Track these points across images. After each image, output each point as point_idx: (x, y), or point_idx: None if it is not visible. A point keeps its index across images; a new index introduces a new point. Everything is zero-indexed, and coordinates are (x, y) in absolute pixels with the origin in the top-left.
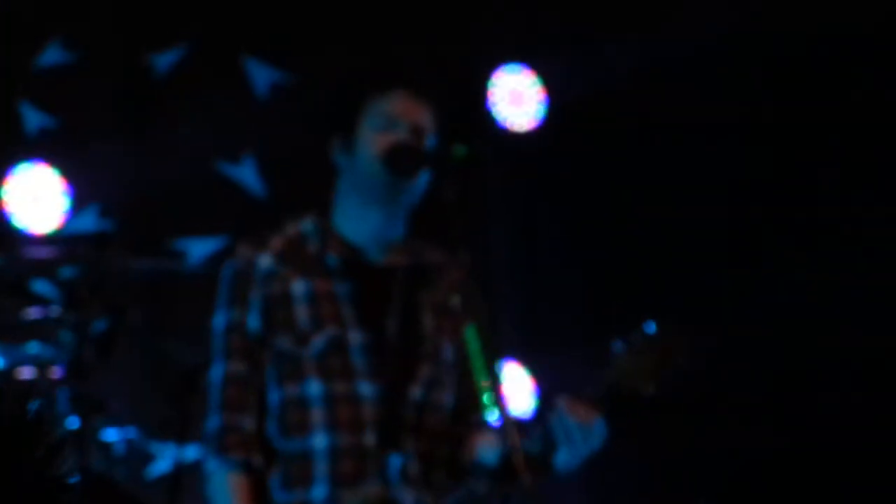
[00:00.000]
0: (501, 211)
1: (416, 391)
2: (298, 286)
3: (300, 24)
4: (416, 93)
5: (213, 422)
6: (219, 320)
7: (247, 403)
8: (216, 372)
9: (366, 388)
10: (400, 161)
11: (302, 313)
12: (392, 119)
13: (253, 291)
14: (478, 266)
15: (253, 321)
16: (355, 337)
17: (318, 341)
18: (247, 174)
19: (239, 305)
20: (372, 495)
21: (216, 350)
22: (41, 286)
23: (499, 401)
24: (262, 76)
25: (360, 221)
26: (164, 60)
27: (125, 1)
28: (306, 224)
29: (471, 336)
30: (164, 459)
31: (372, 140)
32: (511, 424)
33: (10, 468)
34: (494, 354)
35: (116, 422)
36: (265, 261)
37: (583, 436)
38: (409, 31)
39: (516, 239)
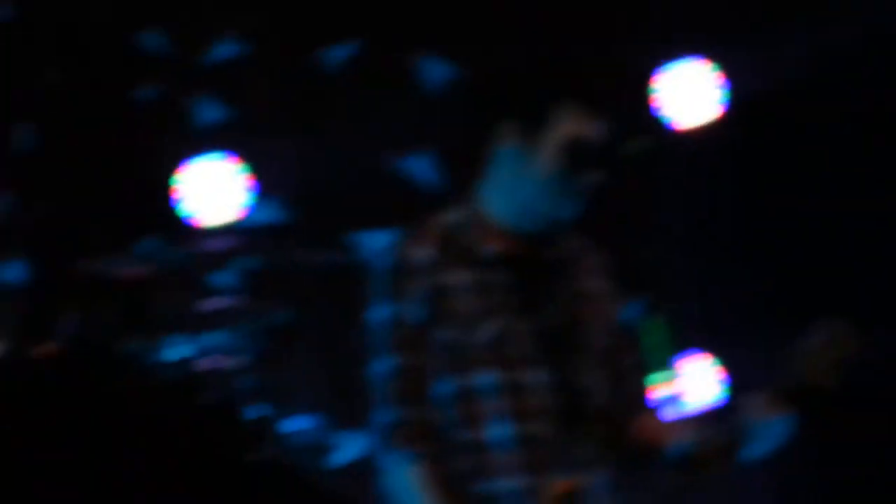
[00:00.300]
0: (678, 204)
1: (585, 379)
2: (459, 276)
3: (471, 20)
4: (593, 101)
5: (385, 416)
6: (379, 313)
7: (418, 396)
8: (381, 365)
9: (537, 377)
10: (580, 157)
11: (466, 303)
12: (575, 118)
13: (412, 283)
14: (656, 259)
15: (414, 313)
16: (522, 326)
17: (486, 331)
18: (422, 168)
19: (399, 297)
20: (559, 484)
21: (379, 343)
22: (223, 278)
23: (677, 391)
24: (434, 72)
25: (522, 212)
26: (337, 55)
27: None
28: (458, 214)
29: (648, 327)
30: (345, 449)
31: (554, 134)
32: (698, 416)
33: (201, 455)
34: (671, 346)
35: (298, 412)
36: (423, 252)
37: (771, 431)
38: (581, 25)
39: (693, 231)
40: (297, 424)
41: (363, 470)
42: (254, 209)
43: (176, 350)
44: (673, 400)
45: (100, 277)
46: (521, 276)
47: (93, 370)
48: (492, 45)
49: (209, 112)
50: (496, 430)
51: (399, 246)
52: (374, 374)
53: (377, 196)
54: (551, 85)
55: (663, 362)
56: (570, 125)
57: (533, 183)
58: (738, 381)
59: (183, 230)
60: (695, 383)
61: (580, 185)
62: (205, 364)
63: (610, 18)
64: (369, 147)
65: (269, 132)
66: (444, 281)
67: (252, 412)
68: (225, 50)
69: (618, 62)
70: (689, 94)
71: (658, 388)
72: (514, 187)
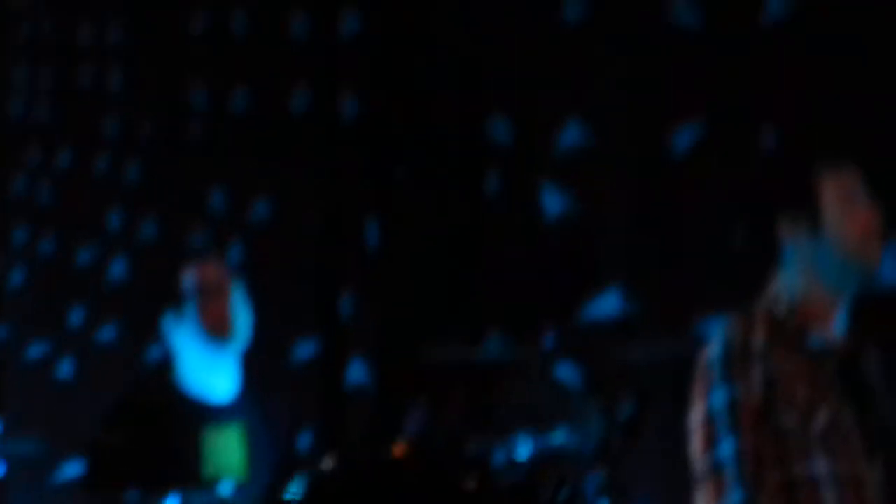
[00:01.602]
0: None
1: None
2: (789, 363)
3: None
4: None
5: (735, 497)
6: (721, 396)
7: (764, 481)
8: (728, 448)
9: (866, 470)
10: (875, 247)
11: (801, 390)
12: (852, 194)
13: (751, 366)
14: None
15: (755, 397)
16: (849, 416)
17: (821, 418)
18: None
19: (741, 380)
20: None
21: (722, 426)
22: (566, 372)
23: None
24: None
25: (823, 305)
26: (684, 137)
27: (642, 83)
28: (781, 304)
29: None
30: None
31: (851, 216)
32: None
33: None
34: None
35: None
36: (758, 335)
37: None
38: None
39: None
40: None
41: None
42: (600, 300)
43: (522, 448)
44: None
45: (445, 373)
46: (841, 368)
47: (441, 470)
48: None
49: (553, 204)
50: None
51: (733, 330)
52: (721, 457)
53: (729, 279)
54: (810, 159)
55: None
56: (839, 198)
57: (833, 253)
58: None
59: (529, 325)
60: None
61: (872, 233)
62: (550, 462)
63: None
64: (719, 228)
65: (615, 220)
66: (778, 366)
67: None
68: (571, 137)
69: None
70: None
71: None
72: (820, 266)
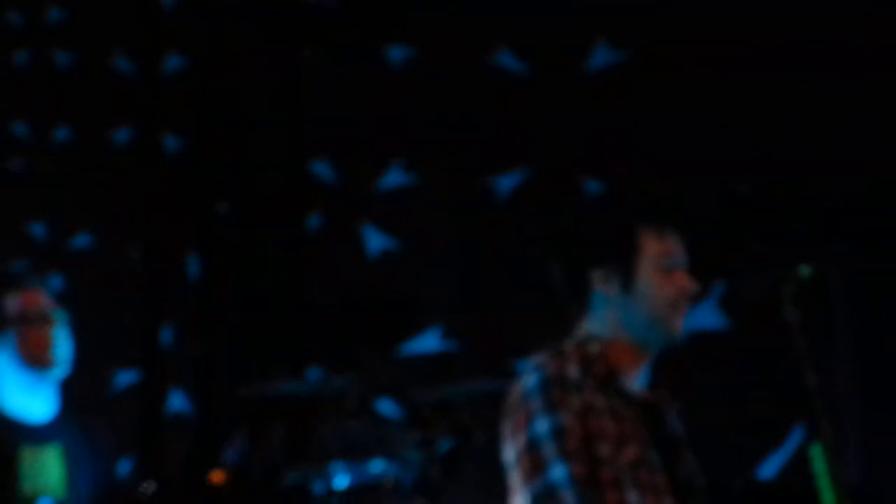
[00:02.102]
0: (847, 329)
1: None
2: (599, 400)
3: (636, 145)
4: (682, 231)
5: None
6: (544, 426)
7: (599, 502)
8: (559, 472)
9: None
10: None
11: (609, 425)
12: (672, 259)
13: (570, 396)
14: (824, 385)
15: (576, 425)
16: (655, 456)
17: (629, 452)
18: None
19: (562, 409)
20: None
21: (549, 455)
22: (386, 406)
23: None
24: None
25: (626, 353)
26: (506, 183)
27: (465, 127)
28: (593, 345)
29: (816, 455)
30: None
31: (662, 283)
32: None
33: None
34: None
35: None
36: (573, 369)
37: None
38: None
39: (864, 357)
40: None
41: None
42: (421, 338)
43: (340, 478)
44: None
45: (266, 405)
46: (648, 416)
47: (260, 498)
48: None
49: (375, 242)
50: None
51: (548, 363)
52: (550, 484)
53: (546, 323)
54: (635, 229)
55: (832, 489)
56: (656, 261)
57: (633, 330)
58: None
59: (349, 358)
60: None
61: (684, 299)
62: (368, 492)
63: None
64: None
65: (434, 260)
66: (590, 400)
67: None
68: (392, 178)
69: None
70: None
71: None
72: (627, 322)
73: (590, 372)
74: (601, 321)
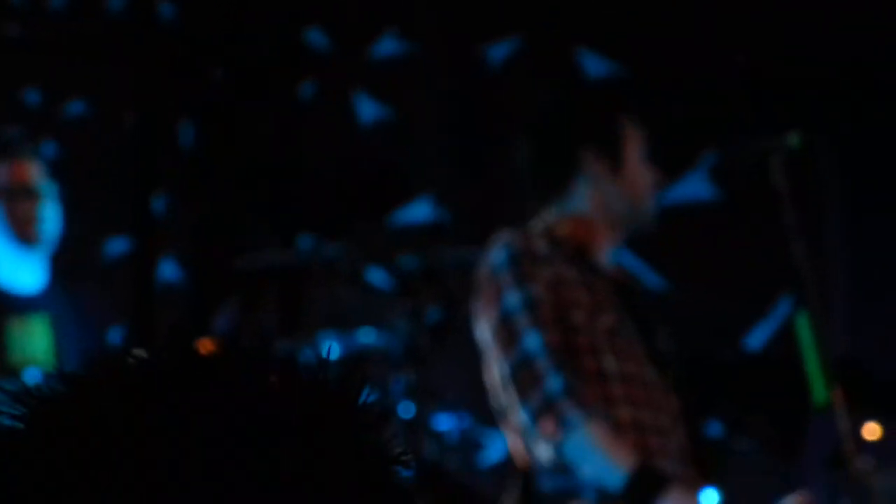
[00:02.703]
0: (837, 200)
1: (680, 377)
2: (570, 272)
3: (633, 15)
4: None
5: (554, 383)
6: (515, 298)
7: (575, 368)
8: (533, 341)
9: (650, 373)
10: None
11: (583, 295)
12: (646, 149)
13: (539, 269)
14: (811, 255)
15: (548, 295)
16: (631, 326)
17: (605, 320)
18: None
19: (532, 281)
20: (682, 472)
21: (522, 326)
22: (376, 275)
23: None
24: (594, 67)
25: (600, 233)
26: (498, 52)
27: None
28: (560, 226)
29: (802, 324)
30: (496, 448)
31: (642, 171)
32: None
33: (347, 453)
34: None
35: (450, 410)
36: (541, 244)
37: None
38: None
39: (852, 229)
40: (447, 423)
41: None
42: (412, 207)
43: (330, 347)
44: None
45: (257, 274)
46: (616, 287)
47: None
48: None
49: (368, 110)
50: (621, 413)
51: (515, 239)
52: (526, 353)
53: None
54: (619, 108)
55: (817, 358)
56: (637, 137)
57: (610, 210)
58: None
59: (341, 227)
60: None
61: (656, 188)
62: (358, 361)
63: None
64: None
65: (429, 130)
66: (560, 272)
67: (405, 410)
68: (386, 46)
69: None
70: None
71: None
72: (610, 202)
73: (558, 247)
74: (582, 200)
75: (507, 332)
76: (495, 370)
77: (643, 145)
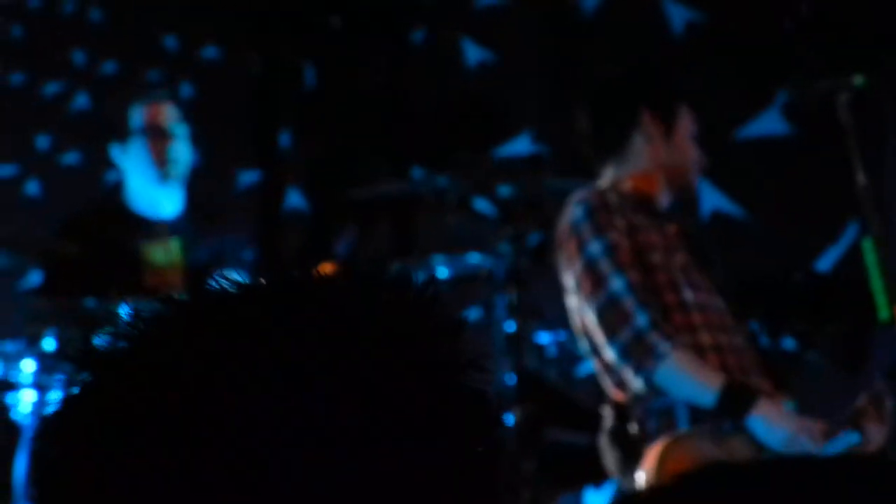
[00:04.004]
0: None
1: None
2: (641, 219)
3: None
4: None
5: (641, 319)
6: (596, 246)
7: (658, 303)
8: (618, 283)
9: (720, 301)
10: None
11: (656, 237)
12: (693, 131)
13: (615, 218)
14: (875, 184)
15: (625, 241)
16: (698, 264)
17: (679, 257)
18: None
19: (610, 230)
20: (761, 386)
21: (606, 270)
22: (481, 203)
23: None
24: (678, 15)
25: (659, 184)
26: (590, 1)
27: None
28: (624, 183)
29: (867, 248)
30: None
31: (689, 141)
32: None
33: (452, 370)
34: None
35: (549, 326)
36: (613, 196)
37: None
38: None
39: None
40: (548, 337)
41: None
42: (514, 142)
43: (440, 269)
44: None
45: (373, 202)
46: (681, 229)
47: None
48: None
49: (473, 54)
50: (703, 338)
51: (587, 195)
52: (612, 295)
53: None
54: (675, 88)
55: (881, 278)
56: (688, 116)
57: (677, 159)
58: None
59: (450, 160)
60: None
61: (700, 166)
62: (466, 281)
63: None
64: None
65: (528, 72)
66: (633, 220)
67: (508, 326)
68: None
69: None
70: None
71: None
72: (665, 159)
73: (625, 199)
74: (640, 156)
75: (593, 277)
76: (582, 315)
77: (692, 126)
